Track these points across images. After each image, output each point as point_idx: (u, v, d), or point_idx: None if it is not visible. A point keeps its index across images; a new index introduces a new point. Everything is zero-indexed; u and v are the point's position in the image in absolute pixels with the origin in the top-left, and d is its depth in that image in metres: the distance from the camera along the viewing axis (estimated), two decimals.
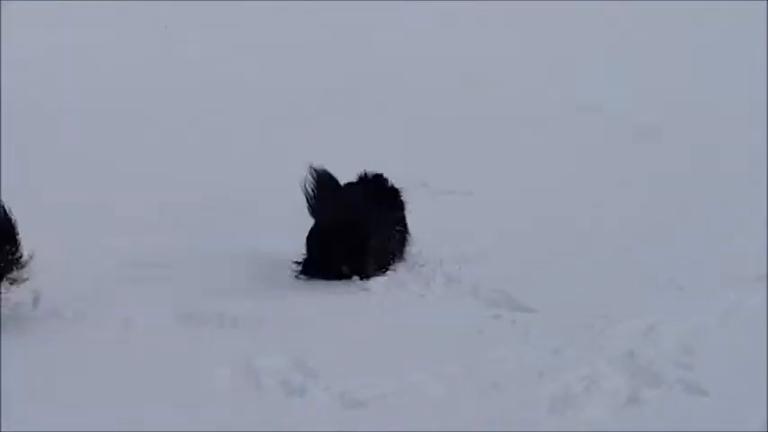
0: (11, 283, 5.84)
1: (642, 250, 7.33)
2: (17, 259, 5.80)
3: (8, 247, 5.82)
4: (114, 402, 4.91)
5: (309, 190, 6.71)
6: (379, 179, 6.88)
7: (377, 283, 6.49)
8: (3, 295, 6.03)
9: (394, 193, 6.93)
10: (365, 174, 6.93)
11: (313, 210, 6.68)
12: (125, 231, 7.73)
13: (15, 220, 5.80)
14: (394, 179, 7.12)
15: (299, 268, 6.63)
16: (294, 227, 6.93)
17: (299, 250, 6.79)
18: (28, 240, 6.42)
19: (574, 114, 12.42)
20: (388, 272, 6.66)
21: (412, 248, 6.93)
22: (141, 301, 6.24)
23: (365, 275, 6.56)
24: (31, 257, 5.92)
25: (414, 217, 7.03)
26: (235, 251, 7.27)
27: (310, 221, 6.81)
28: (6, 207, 5.89)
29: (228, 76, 14.67)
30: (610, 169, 9.84)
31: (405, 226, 6.82)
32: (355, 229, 6.59)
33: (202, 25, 19.72)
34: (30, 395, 4.95)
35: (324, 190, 6.70)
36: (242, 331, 5.80)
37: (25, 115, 11.82)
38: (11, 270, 5.83)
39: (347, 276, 6.57)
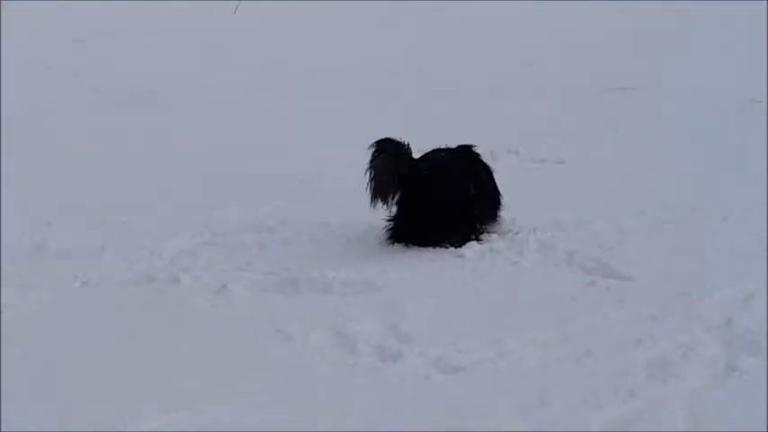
0: None
1: (742, 219, 7.09)
2: None
3: None
4: (208, 368, 5.00)
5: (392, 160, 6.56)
6: (467, 147, 6.77)
7: (471, 249, 6.43)
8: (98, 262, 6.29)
9: (482, 161, 6.83)
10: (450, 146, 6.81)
11: (403, 176, 6.52)
12: (225, 201, 7.82)
13: None
14: (483, 147, 6.99)
15: (392, 234, 6.60)
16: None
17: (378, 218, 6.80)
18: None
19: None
20: (481, 239, 6.58)
21: (505, 216, 6.84)
22: (236, 267, 6.29)
23: (459, 243, 6.50)
24: None
25: (505, 185, 6.91)
26: (327, 220, 7.27)
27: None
28: None
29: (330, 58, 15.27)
30: (708, 137, 9.63)
31: (497, 193, 6.74)
32: (461, 196, 6.56)
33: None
34: (122, 360, 5.04)
35: (411, 159, 6.59)
36: (336, 297, 5.81)
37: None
38: None
39: (439, 243, 6.53)
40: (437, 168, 6.60)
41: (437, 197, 6.48)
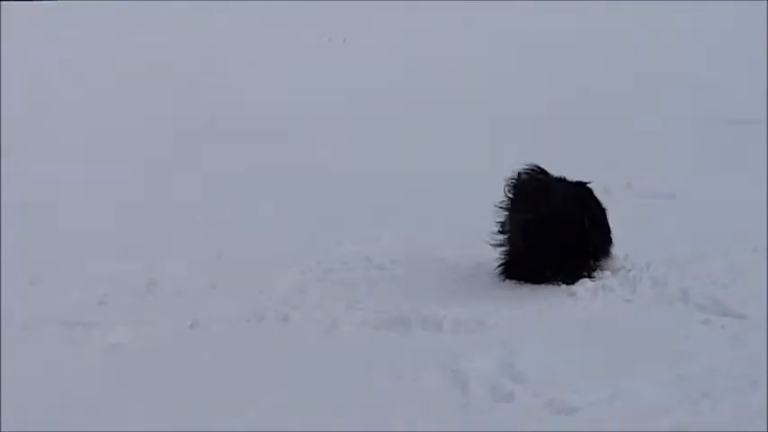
0: None
1: None
2: None
3: None
4: (318, 404, 5.09)
5: (517, 190, 6.73)
6: (581, 184, 6.83)
7: (583, 287, 6.43)
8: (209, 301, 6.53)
9: (596, 197, 6.87)
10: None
11: (520, 209, 6.66)
12: (331, 230, 8.02)
13: None
14: (596, 182, 7.04)
15: (503, 270, 6.65)
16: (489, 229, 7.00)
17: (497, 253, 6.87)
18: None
19: None
20: (594, 276, 6.60)
21: (617, 252, 6.86)
22: (346, 304, 6.40)
23: (571, 280, 6.54)
24: None
25: (617, 219, 6.94)
26: (436, 254, 7.35)
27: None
28: None
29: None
30: None
31: (609, 229, 6.79)
32: (579, 230, 6.61)
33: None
34: (231, 400, 5.16)
35: (534, 191, 6.70)
36: (448, 334, 5.86)
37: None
38: None
39: (552, 281, 6.57)
40: (555, 208, 6.63)
41: (555, 237, 6.53)
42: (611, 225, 6.86)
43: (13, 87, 16.20)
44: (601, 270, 6.76)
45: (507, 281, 6.69)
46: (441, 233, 7.76)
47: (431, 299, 6.41)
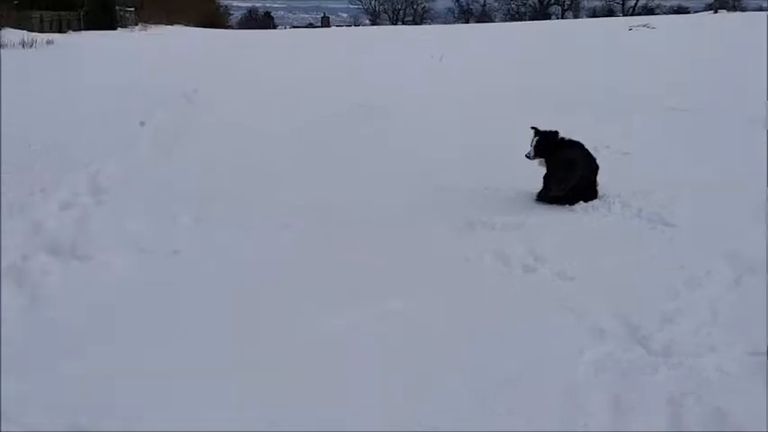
0: None
1: None
2: None
3: None
4: (412, 276, 6.92)
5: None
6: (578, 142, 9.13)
7: (579, 206, 8.62)
8: None
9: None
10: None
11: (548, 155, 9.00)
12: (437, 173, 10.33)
13: None
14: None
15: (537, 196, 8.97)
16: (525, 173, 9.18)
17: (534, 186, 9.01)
18: None
19: None
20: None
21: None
22: (442, 212, 8.57)
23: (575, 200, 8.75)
24: None
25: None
26: (496, 185, 9.53)
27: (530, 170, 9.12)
28: None
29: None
30: None
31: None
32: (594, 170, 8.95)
33: None
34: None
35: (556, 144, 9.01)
36: (500, 232, 7.89)
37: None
38: None
39: (560, 201, 8.71)
40: (580, 157, 9.01)
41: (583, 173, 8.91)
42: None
43: None
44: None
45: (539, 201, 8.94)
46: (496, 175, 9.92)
47: (494, 212, 8.54)
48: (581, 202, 8.81)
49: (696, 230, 7.84)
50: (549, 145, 9.05)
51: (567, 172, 8.83)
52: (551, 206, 8.77)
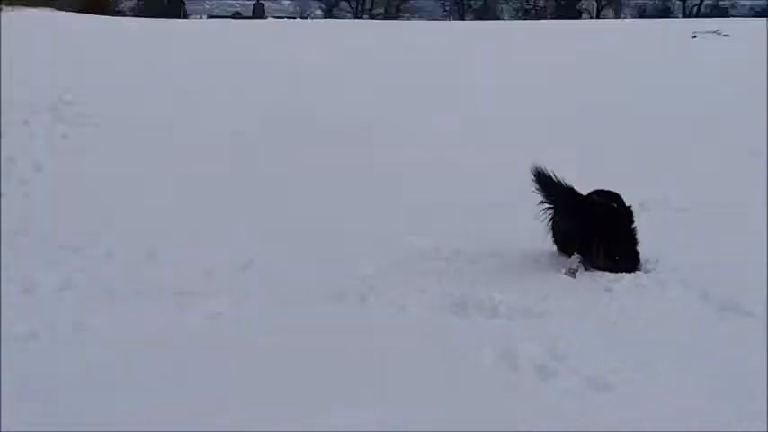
0: None
1: None
2: None
3: None
4: (384, 381, 6.96)
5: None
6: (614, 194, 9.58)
7: (619, 284, 8.77)
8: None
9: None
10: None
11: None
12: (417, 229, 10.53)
13: None
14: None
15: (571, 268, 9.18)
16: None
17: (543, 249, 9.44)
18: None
19: None
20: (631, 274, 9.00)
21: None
22: (416, 289, 8.57)
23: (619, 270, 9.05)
24: None
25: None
26: (493, 248, 9.68)
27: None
28: None
29: None
30: None
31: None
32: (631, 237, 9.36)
33: None
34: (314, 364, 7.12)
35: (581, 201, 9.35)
36: (503, 320, 7.92)
37: None
38: None
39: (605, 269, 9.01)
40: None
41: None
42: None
43: None
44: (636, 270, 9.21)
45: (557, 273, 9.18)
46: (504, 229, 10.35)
47: (489, 287, 8.64)
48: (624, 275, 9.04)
49: None
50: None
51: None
52: (578, 282, 8.99)
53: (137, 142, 15.75)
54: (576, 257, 9.39)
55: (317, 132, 16.53)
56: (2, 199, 12.13)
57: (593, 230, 9.33)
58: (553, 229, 9.61)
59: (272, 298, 8.56)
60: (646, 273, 9.07)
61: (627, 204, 9.66)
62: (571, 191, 9.48)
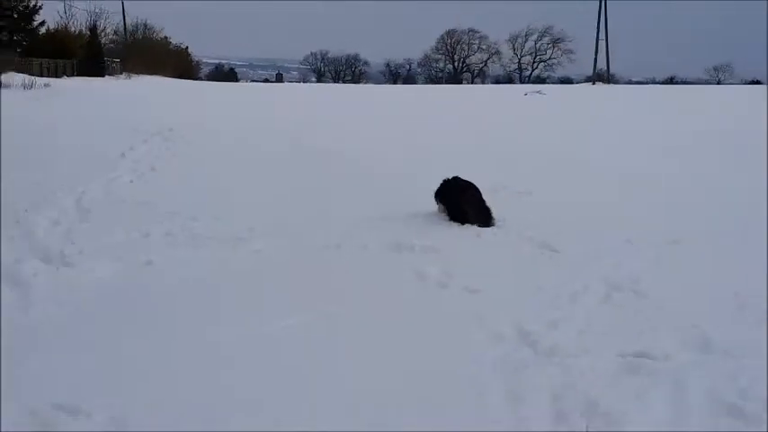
0: None
1: None
2: None
3: None
4: (348, 286, 6.93)
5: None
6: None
7: (484, 233, 8.82)
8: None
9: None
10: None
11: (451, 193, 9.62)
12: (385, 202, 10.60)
13: None
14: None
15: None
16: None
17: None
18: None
19: None
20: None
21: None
22: (372, 238, 8.50)
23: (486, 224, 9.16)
24: None
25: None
26: (417, 215, 9.70)
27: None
28: None
29: None
30: None
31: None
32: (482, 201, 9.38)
33: None
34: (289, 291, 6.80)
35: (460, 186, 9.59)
36: (418, 254, 7.92)
37: None
38: None
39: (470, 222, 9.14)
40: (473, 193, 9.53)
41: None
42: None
43: None
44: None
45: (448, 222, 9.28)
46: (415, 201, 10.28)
47: (413, 234, 8.66)
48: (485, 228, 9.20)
49: (576, 256, 7.92)
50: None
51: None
52: (462, 234, 8.93)
53: (210, 154, 15.65)
54: (442, 207, 9.74)
55: (314, 151, 16.30)
56: (132, 183, 12.20)
57: (459, 198, 9.54)
58: (443, 201, 9.70)
59: (289, 243, 8.46)
60: (498, 227, 9.09)
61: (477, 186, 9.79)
62: (450, 180, 9.79)
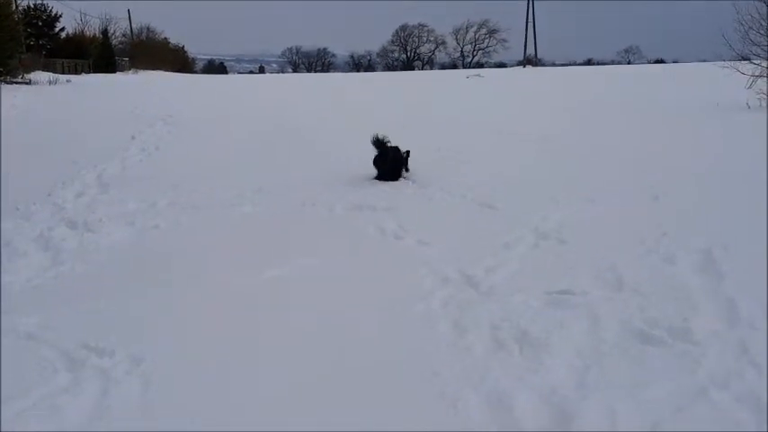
0: None
1: None
2: None
3: None
4: (317, 240, 6.91)
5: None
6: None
7: (432, 194, 8.71)
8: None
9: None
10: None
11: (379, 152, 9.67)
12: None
13: None
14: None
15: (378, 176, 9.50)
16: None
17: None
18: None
19: None
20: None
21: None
22: (337, 200, 8.47)
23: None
24: None
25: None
26: (362, 174, 9.75)
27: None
28: None
29: None
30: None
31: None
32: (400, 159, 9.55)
33: None
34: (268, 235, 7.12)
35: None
36: (379, 212, 7.86)
37: None
38: None
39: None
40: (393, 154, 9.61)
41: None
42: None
43: None
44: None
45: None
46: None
47: (364, 195, 8.63)
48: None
49: (510, 212, 7.86)
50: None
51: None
52: (414, 196, 8.85)
53: (204, 135, 15.41)
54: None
55: (287, 130, 15.98)
56: (141, 162, 12.09)
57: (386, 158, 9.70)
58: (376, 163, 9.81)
59: (271, 205, 8.47)
60: (441, 189, 9.00)
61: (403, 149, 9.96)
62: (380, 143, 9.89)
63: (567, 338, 4.45)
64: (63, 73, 45.34)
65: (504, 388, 3.84)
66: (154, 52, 76.90)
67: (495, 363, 4.18)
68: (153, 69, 67.25)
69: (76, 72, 51.90)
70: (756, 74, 18.35)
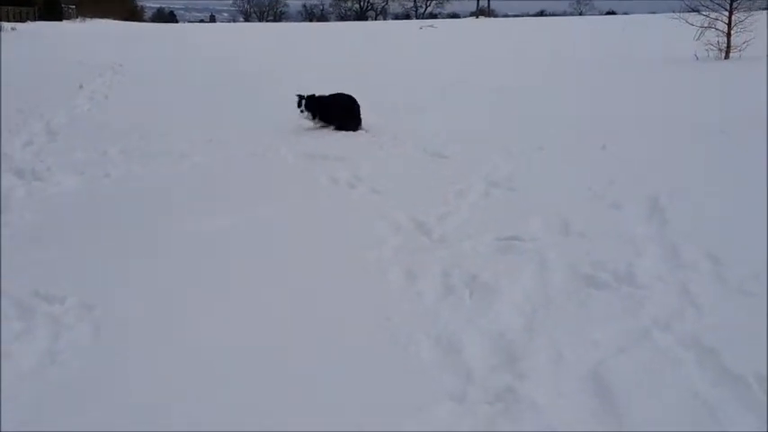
0: None
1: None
2: None
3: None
4: (274, 188, 6.99)
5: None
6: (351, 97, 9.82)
7: (385, 144, 8.82)
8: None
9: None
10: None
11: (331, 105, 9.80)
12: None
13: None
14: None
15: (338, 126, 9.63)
16: None
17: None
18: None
19: None
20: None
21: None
22: (290, 148, 8.55)
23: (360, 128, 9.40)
24: None
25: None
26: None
27: None
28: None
29: None
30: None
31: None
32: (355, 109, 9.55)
33: None
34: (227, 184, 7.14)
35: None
36: (331, 161, 7.92)
37: None
38: None
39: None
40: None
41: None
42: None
43: None
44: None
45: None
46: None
47: (321, 146, 8.68)
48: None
49: (461, 161, 7.93)
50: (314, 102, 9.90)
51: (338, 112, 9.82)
52: (367, 145, 8.87)
53: (152, 82, 15.26)
54: (318, 121, 9.94)
55: (238, 74, 15.81)
56: (89, 110, 11.88)
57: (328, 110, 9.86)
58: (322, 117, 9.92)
59: (223, 155, 8.43)
60: (394, 138, 9.07)
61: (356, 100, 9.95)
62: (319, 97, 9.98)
63: (515, 283, 4.51)
64: (8, 21, 44.12)
65: (454, 331, 3.89)
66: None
67: (446, 307, 4.23)
68: (101, 18, 65.82)
69: (22, 20, 50.57)
70: (705, 25, 18.61)
